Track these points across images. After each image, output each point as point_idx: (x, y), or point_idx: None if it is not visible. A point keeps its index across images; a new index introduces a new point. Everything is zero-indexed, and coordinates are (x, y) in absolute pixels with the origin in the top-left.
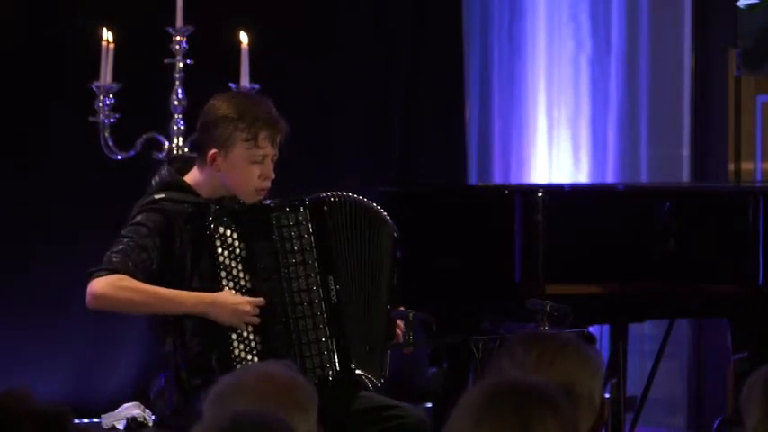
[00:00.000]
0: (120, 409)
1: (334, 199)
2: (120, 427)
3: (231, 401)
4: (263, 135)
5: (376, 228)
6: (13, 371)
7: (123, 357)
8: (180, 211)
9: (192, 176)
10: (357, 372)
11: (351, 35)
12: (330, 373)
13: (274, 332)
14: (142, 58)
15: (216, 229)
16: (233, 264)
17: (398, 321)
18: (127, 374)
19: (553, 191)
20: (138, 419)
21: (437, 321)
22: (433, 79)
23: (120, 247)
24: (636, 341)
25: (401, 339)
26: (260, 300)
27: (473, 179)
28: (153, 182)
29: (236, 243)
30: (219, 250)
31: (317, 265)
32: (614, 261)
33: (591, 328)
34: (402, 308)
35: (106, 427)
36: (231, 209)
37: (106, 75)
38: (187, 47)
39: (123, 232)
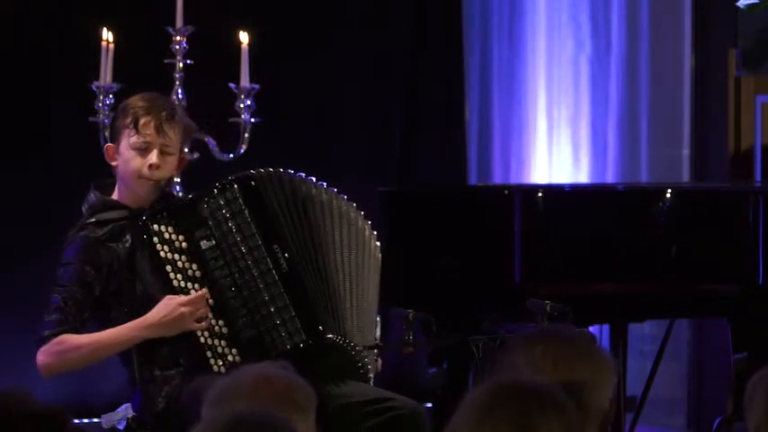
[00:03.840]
0: (120, 409)
1: (263, 172)
2: (120, 427)
3: (229, 403)
4: (143, 121)
5: (318, 194)
6: (13, 370)
7: None
8: (109, 232)
9: (117, 191)
10: (328, 336)
11: (351, 35)
12: (298, 339)
13: (235, 314)
14: (142, 58)
15: (150, 228)
16: (176, 256)
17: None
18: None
19: (553, 191)
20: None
21: (437, 321)
22: (433, 79)
23: (55, 303)
24: (636, 341)
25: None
26: (195, 296)
27: (473, 179)
28: (83, 209)
29: (174, 237)
30: (159, 247)
31: (258, 237)
32: (614, 261)
33: (591, 328)
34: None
35: (106, 427)
36: (160, 208)
37: (106, 75)
38: (187, 47)
39: (56, 277)
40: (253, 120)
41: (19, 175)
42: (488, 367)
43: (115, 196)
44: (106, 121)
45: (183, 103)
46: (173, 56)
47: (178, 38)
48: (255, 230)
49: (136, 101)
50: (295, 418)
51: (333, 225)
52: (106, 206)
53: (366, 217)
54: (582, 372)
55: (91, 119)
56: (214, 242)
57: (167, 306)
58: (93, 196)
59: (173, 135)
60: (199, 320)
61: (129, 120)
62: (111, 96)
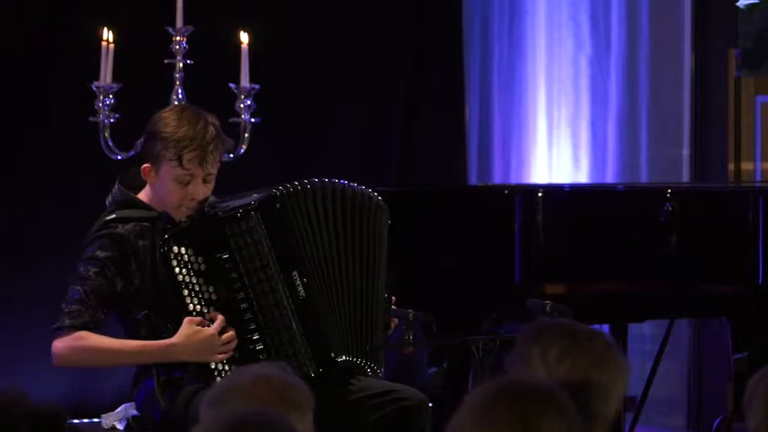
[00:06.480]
0: (120, 409)
1: (288, 193)
2: (120, 427)
3: (228, 403)
4: (188, 157)
5: (348, 207)
6: (13, 370)
7: None
8: (131, 230)
9: (145, 191)
10: (339, 360)
11: (351, 35)
12: (309, 369)
13: (248, 340)
14: (142, 58)
15: (170, 248)
16: (193, 279)
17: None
18: (127, 374)
19: (553, 191)
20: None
21: (437, 321)
22: (433, 79)
23: (75, 296)
24: (636, 341)
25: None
26: (218, 324)
27: (473, 179)
28: (107, 202)
29: (193, 259)
30: (177, 270)
31: (278, 265)
32: (614, 261)
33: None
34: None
35: (106, 427)
36: (182, 227)
37: (106, 75)
38: (187, 47)
39: (77, 271)
40: (253, 120)
41: (19, 175)
42: (497, 360)
43: (143, 197)
44: (106, 121)
45: (183, 102)
46: (173, 56)
47: (178, 38)
48: (276, 258)
49: (175, 127)
50: (293, 418)
51: (364, 228)
52: (128, 204)
53: None
54: (598, 378)
55: (91, 119)
56: (233, 267)
57: (196, 336)
58: (117, 192)
59: (215, 162)
60: (222, 352)
61: (172, 153)
62: (111, 96)
